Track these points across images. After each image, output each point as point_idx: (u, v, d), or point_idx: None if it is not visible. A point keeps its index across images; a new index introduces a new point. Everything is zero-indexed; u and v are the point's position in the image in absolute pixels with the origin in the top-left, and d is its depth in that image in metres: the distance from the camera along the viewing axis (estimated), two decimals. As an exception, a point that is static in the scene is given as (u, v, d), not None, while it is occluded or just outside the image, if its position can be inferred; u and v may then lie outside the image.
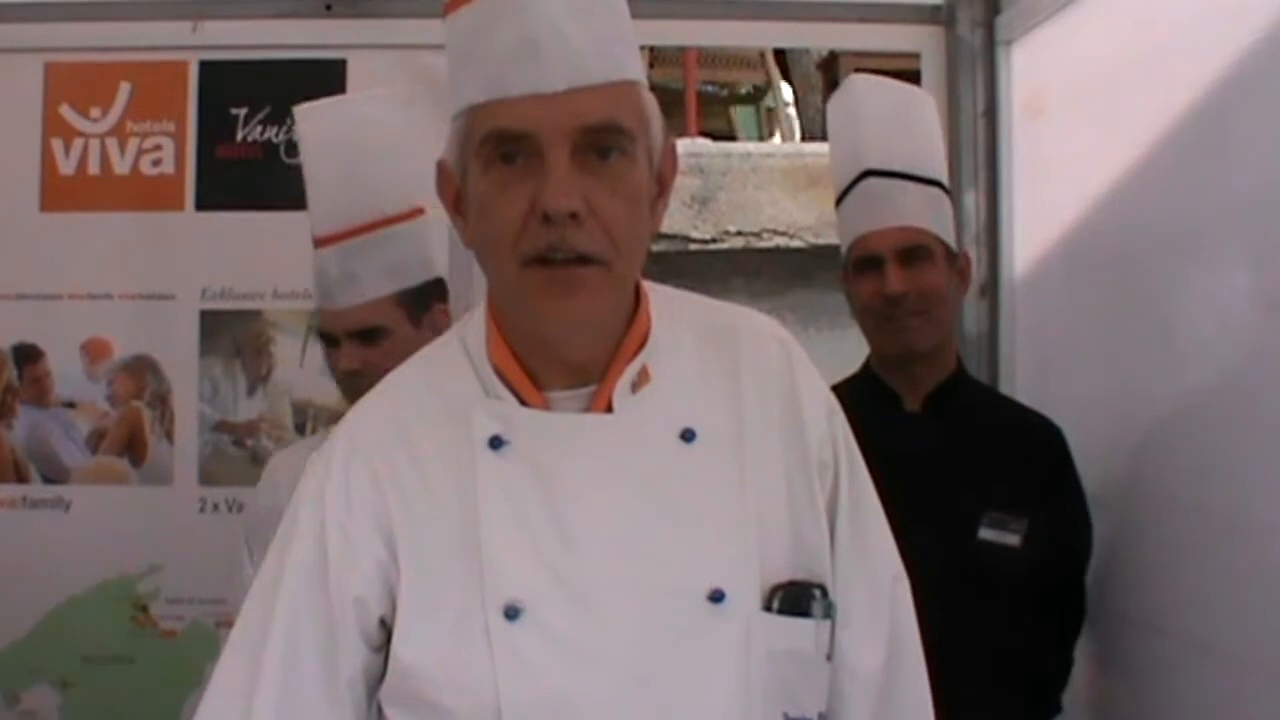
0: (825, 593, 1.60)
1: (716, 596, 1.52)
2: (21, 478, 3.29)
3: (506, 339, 1.58)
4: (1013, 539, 2.55)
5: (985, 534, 2.55)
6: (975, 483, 2.56)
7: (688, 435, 1.57)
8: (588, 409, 1.56)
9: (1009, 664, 2.52)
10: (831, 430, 1.65)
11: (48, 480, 3.29)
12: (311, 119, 2.64)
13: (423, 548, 1.55)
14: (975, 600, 2.44)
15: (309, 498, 1.62)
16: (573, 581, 1.51)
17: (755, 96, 9.72)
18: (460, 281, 2.72)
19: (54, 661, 3.24)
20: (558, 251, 1.45)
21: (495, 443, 1.54)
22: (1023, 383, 3.27)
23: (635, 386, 1.57)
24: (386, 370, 2.48)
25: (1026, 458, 2.63)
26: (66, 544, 3.25)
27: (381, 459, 1.59)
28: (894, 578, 1.68)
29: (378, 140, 2.64)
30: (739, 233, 4.60)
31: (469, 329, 1.64)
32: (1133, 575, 2.69)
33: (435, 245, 2.61)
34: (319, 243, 2.52)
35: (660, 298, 1.65)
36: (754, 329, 1.69)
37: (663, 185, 1.59)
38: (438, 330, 2.59)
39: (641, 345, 1.59)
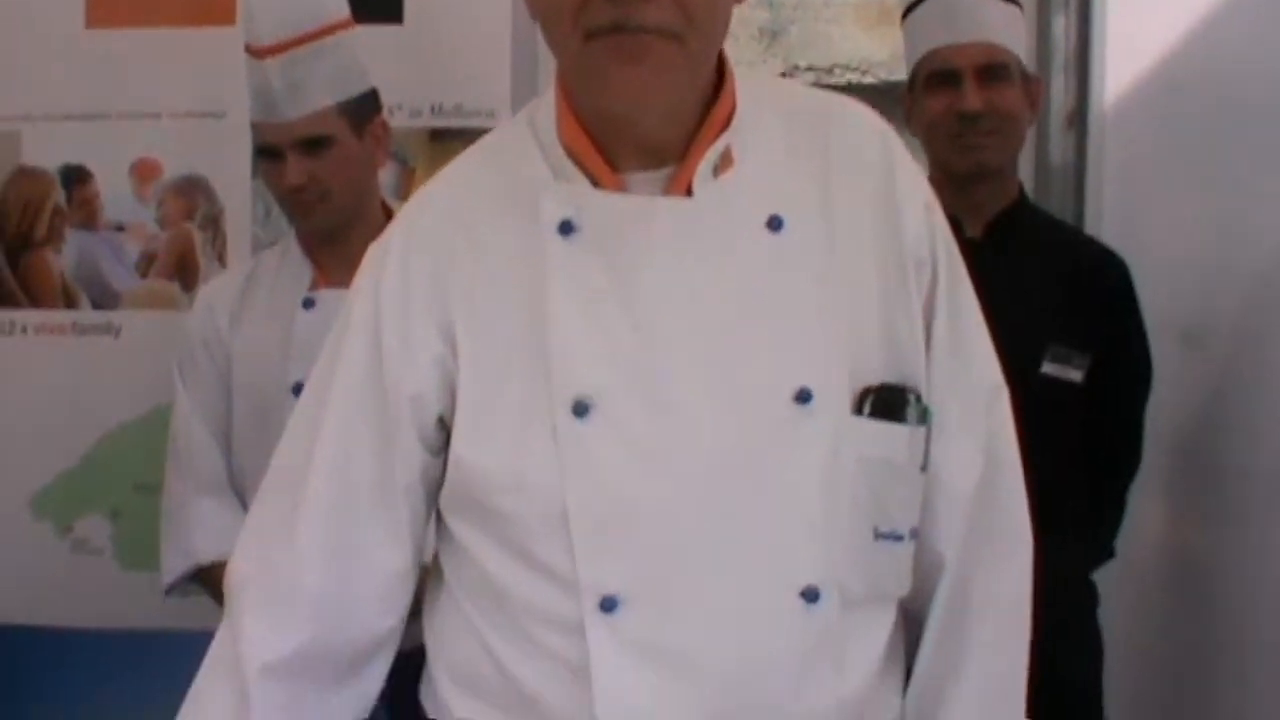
0: (920, 398, 1.47)
1: (803, 396, 1.39)
2: (71, 303, 3.20)
3: (578, 116, 1.45)
4: (1076, 374, 2.45)
5: (1048, 368, 2.45)
6: (1039, 314, 2.44)
7: (774, 223, 1.43)
8: (666, 192, 1.44)
9: (1065, 506, 2.38)
10: (930, 226, 1.51)
11: (97, 305, 3.21)
12: None
13: (486, 341, 1.44)
14: (1034, 438, 2.32)
15: (363, 291, 1.51)
16: (648, 377, 1.39)
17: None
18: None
19: (105, 490, 3.17)
20: (623, 26, 1.31)
21: (565, 228, 1.42)
22: (1109, 217, 3.15)
23: (717, 170, 1.44)
24: (333, 184, 2.46)
25: (1092, 291, 2.52)
26: (116, 370, 3.16)
27: (441, 248, 1.47)
28: (994, 388, 1.55)
29: None
30: (810, 68, 4.42)
31: (539, 109, 1.51)
32: (1223, 417, 2.58)
33: (363, 55, 2.57)
34: (261, 53, 2.45)
35: (748, 80, 1.51)
36: (850, 117, 1.55)
37: None
38: (379, 142, 2.55)
39: (725, 126, 1.45)
